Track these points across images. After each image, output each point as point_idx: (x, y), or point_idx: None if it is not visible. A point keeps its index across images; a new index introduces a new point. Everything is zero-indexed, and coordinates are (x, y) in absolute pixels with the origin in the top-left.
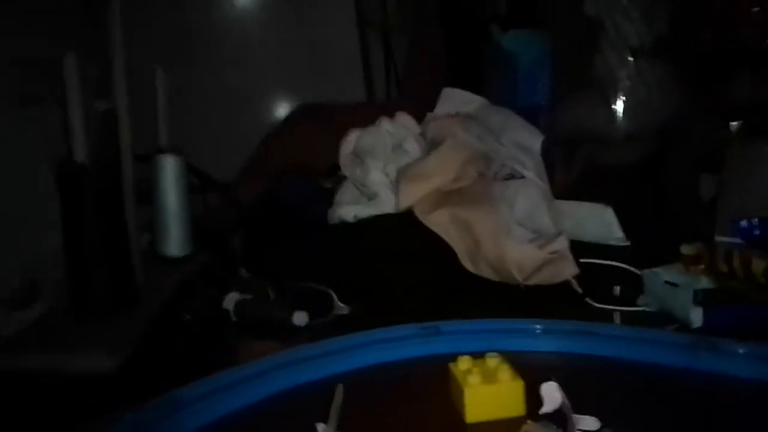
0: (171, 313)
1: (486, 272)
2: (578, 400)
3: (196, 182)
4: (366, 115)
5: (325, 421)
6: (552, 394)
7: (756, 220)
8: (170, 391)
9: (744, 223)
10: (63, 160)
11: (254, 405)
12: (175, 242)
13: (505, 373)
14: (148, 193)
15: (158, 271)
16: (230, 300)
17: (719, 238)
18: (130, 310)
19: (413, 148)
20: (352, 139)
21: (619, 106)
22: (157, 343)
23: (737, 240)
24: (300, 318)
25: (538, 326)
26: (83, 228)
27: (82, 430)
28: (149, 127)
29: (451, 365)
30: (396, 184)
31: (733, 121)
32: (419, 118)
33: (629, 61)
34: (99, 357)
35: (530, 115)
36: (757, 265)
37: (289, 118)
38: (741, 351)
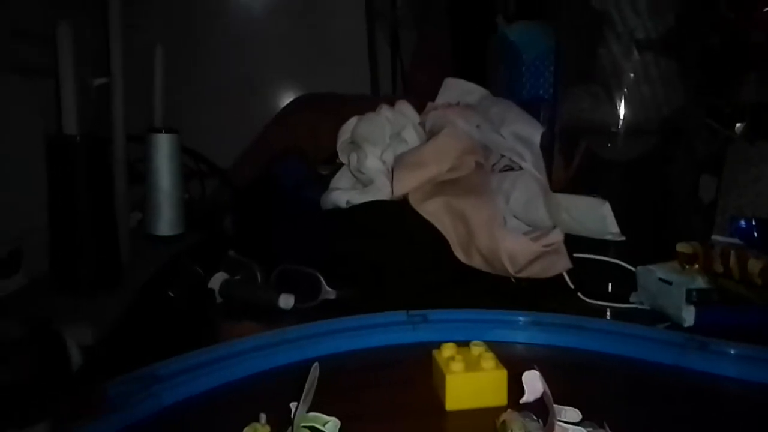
0: (155, 290)
1: (478, 263)
2: (562, 392)
3: (192, 165)
4: (369, 107)
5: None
6: (533, 383)
7: (754, 220)
8: (147, 366)
9: (743, 222)
10: (53, 132)
11: (231, 384)
12: (165, 221)
13: (489, 362)
14: (142, 174)
15: (146, 248)
16: (216, 280)
17: (716, 238)
18: (113, 285)
19: (411, 137)
20: (350, 125)
21: (622, 101)
22: (139, 319)
23: (735, 240)
24: (286, 301)
25: (526, 318)
26: (69, 201)
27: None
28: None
29: (435, 352)
30: (392, 172)
31: (738, 122)
32: (423, 111)
33: (634, 54)
34: (78, 329)
35: (533, 107)
36: (754, 265)
37: (291, 105)
38: (732, 352)
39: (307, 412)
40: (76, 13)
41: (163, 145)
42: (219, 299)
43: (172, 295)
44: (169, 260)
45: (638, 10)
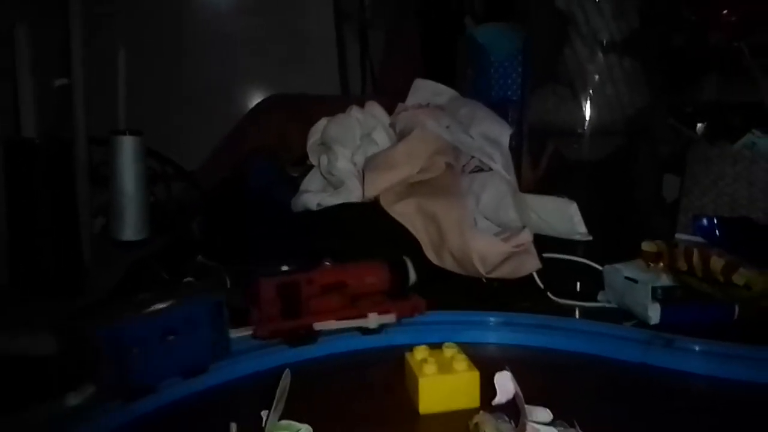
0: (119, 296)
1: (450, 264)
2: (533, 392)
3: (158, 168)
4: (339, 107)
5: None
6: (505, 384)
7: (716, 218)
8: None
9: (704, 221)
10: (11, 134)
11: (201, 393)
12: (129, 225)
13: (461, 364)
14: (105, 177)
15: (110, 254)
16: None
17: (679, 236)
18: (76, 292)
19: (382, 138)
20: (320, 127)
21: (587, 101)
22: None
23: (698, 238)
24: None
25: (497, 319)
26: (29, 205)
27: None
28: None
29: (408, 355)
30: (363, 174)
31: (699, 121)
32: (393, 112)
33: (599, 56)
34: (41, 338)
35: (501, 108)
36: (716, 263)
37: (260, 106)
38: (697, 348)
39: (279, 419)
40: (36, 13)
41: (127, 148)
42: None
43: None
44: (134, 266)
45: (602, 12)
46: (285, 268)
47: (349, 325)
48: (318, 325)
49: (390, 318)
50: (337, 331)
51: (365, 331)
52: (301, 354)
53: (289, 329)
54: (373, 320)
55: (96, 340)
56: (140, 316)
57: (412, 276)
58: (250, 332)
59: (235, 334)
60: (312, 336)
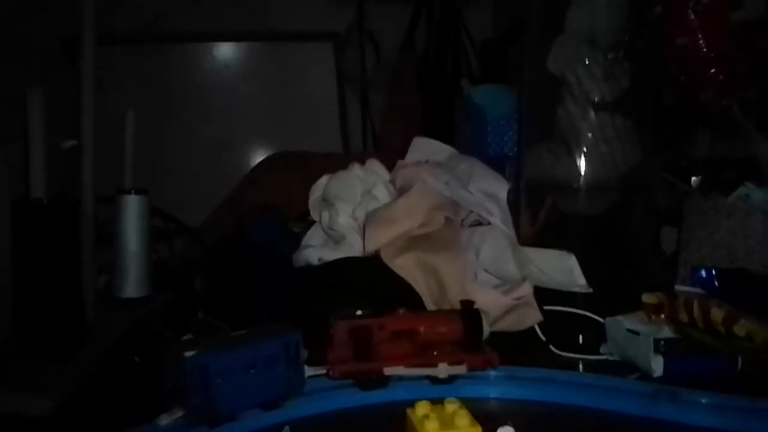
0: (120, 354)
1: None
2: None
3: (161, 225)
4: (340, 164)
5: None
6: None
7: (714, 270)
8: None
9: (703, 272)
10: (20, 195)
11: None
12: (132, 283)
13: (463, 419)
14: (110, 235)
15: (112, 311)
16: None
17: (679, 288)
18: (76, 349)
19: (382, 194)
20: (321, 184)
21: (581, 158)
22: (103, 385)
23: (697, 290)
24: None
25: (498, 373)
26: (34, 264)
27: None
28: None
29: (409, 411)
30: (363, 228)
31: (693, 175)
32: (393, 169)
33: (591, 115)
34: (35, 397)
35: (499, 164)
36: (716, 314)
37: (263, 163)
38: (703, 401)
39: None
40: (46, 76)
41: (132, 207)
42: None
43: (137, 359)
44: (136, 323)
45: (593, 74)
46: (359, 312)
47: (419, 373)
48: (388, 370)
49: (461, 369)
50: (406, 378)
51: (435, 380)
52: (300, 411)
53: (360, 372)
54: (442, 370)
55: (187, 369)
56: (226, 349)
57: (486, 329)
58: (324, 372)
59: (310, 372)
60: (383, 380)
